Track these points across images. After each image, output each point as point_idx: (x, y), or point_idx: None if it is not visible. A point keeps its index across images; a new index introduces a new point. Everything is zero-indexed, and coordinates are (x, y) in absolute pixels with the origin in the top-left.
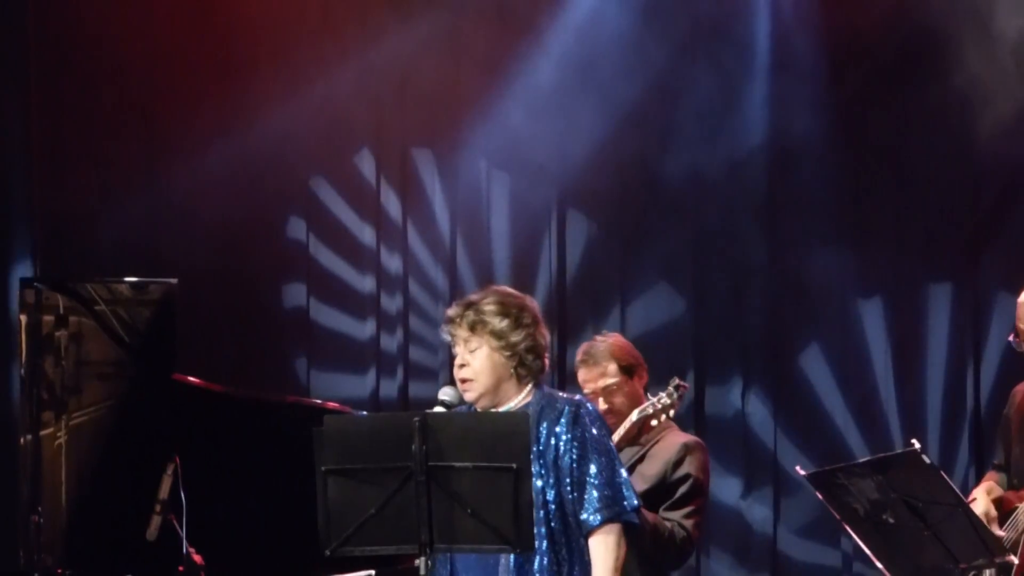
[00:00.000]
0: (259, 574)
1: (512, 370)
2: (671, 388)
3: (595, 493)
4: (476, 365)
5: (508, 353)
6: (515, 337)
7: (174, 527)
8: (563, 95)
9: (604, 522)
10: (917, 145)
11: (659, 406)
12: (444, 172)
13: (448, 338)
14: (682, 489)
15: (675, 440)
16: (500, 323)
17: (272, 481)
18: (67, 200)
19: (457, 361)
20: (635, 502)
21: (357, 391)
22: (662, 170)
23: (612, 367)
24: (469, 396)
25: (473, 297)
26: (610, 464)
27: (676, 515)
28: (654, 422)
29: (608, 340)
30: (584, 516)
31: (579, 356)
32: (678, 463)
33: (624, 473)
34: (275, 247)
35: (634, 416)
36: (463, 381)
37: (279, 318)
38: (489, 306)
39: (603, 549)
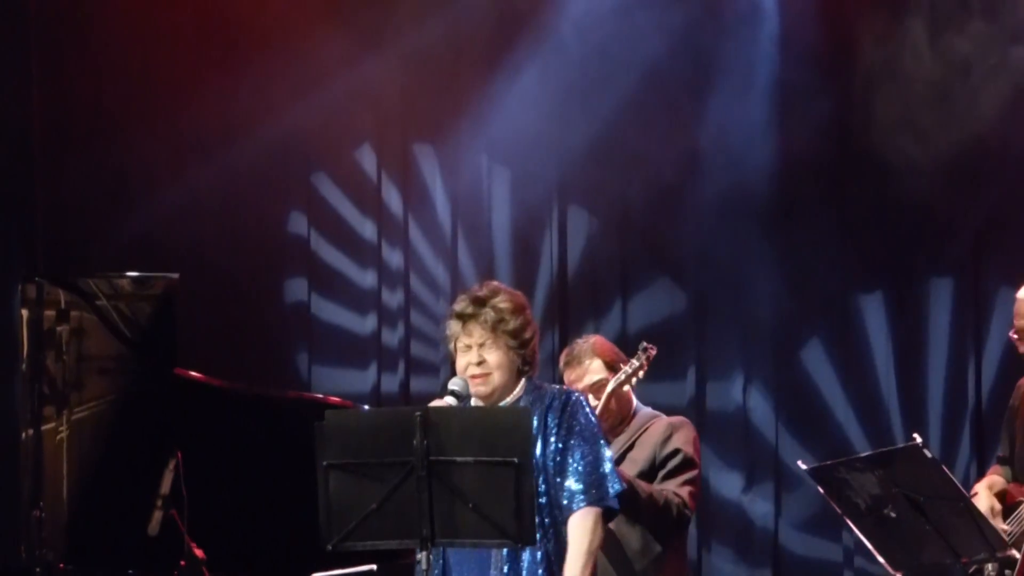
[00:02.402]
0: (261, 569)
1: (519, 366)
2: (639, 352)
3: (578, 478)
4: (492, 362)
5: (522, 351)
6: (527, 335)
7: (176, 522)
8: (564, 90)
9: (585, 506)
10: (918, 140)
11: (629, 370)
12: (445, 167)
13: (454, 331)
14: (672, 463)
15: (662, 423)
16: (516, 322)
17: (273, 476)
18: (69, 195)
19: (470, 358)
20: (618, 488)
21: (358, 386)
22: (663, 164)
23: (596, 363)
24: (483, 391)
25: (481, 293)
26: (595, 450)
27: (670, 485)
28: (626, 387)
29: (590, 340)
30: (566, 501)
31: (562, 359)
32: (666, 441)
33: (609, 460)
34: (276, 242)
35: (609, 387)
36: (476, 377)
37: (280, 313)
38: (504, 304)
39: (580, 531)
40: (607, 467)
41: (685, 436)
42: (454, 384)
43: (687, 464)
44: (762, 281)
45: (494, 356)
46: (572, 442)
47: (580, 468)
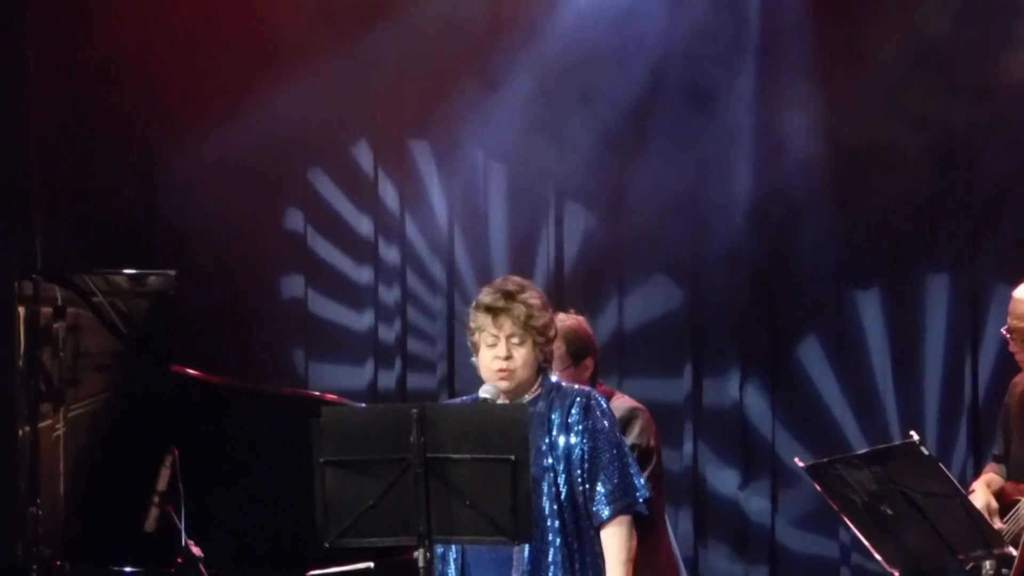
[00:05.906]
0: (258, 566)
1: (540, 363)
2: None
3: (606, 485)
4: (519, 359)
5: (546, 348)
6: (551, 332)
7: (172, 519)
8: (561, 87)
9: (615, 514)
10: (914, 137)
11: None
12: (442, 163)
13: (482, 324)
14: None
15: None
16: (543, 318)
17: (270, 473)
18: (66, 191)
19: (497, 352)
20: (646, 493)
21: (355, 383)
22: (659, 161)
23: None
24: (506, 386)
25: (509, 288)
26: (620, 455)
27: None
28: None
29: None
30: (595, 508)
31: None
32: None
33: (634, 465)
34: (273, 238)
35: None
36: (501, 371)
37: (277, 309)
38: (534, 300)
39: (615, 542)
40: (633, 473)
41: (639, 428)
42: (485, 391)
43: (645, 462)
44: (758, 277)
45: (521, 352)
46: (599, 448)
47: (609, 474)
